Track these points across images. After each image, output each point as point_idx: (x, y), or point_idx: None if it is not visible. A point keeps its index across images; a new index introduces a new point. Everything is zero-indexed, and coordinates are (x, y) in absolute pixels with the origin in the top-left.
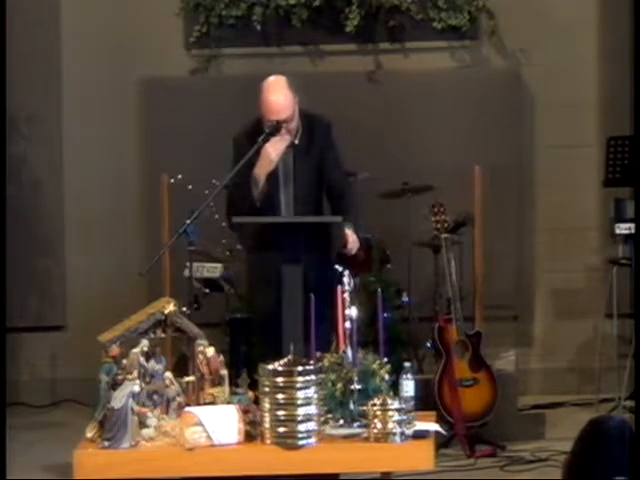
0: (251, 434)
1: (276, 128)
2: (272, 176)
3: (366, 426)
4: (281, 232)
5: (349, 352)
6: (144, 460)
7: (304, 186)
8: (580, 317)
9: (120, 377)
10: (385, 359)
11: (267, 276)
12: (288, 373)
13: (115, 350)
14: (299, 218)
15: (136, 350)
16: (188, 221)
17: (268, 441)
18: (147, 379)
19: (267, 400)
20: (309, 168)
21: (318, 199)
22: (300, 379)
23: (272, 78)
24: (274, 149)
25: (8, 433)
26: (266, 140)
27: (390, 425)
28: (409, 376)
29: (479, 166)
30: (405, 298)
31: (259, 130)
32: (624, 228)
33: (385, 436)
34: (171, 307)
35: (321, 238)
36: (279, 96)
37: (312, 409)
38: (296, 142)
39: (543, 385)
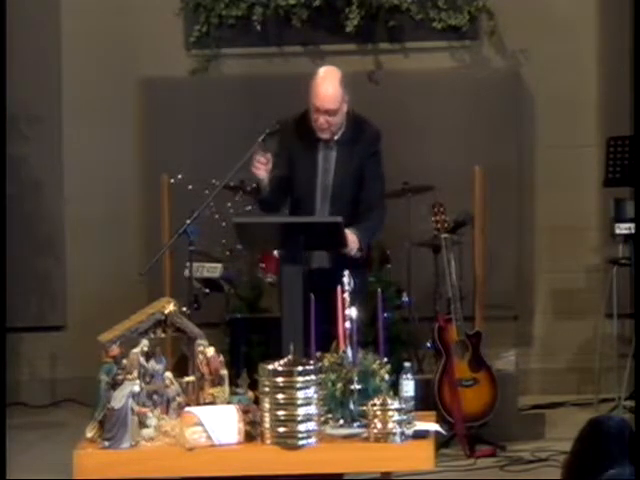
0: (251, 434)
1: (277, 129)
2: (310, 164)
3: (366, 426)
4: (290, 231)
5: (349, 352)
6: (144, 460)
7: (342, 182)
8: (580, 317)
9: (120, 377)
10: (385, 359)
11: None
12: (288, 373)
13: (115, 350)
14: (298, 218)
15: (136, 350)
16: (188, 221)
17: (268, 441)
18: (147, 379)
19: (267, 400)
20: (349, 169)
21: (352, 198)
22: (300, 379)
23: (326, 67)
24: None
25: (8, 433)
26: (265, 139)
27: (390, 425)
28: (409, 376)
29: (479, 166)
30: (405, 298)
31: (306, 120)
32: (624, 228)
33: (385, 436)
34: (171, 307)
35: (321, 238)
36: (329, 87)
37: (312, 409)
38: (336, 138)
39: (543, 385)
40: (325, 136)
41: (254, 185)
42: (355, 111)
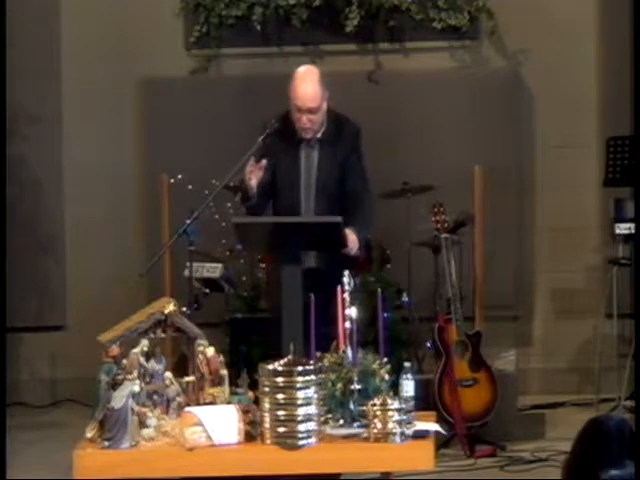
0: (251, 434)
1: (277, 128)
2: (293, 163)
3: (366, 426)
4: (290, 231)
5: (349, 352)
6: (144, 460)
7: (325, 180)
8: (580, 317)
9: (120, 377)
10: (385, 359)
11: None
12: (288, 373)
13: (115, 350)
14: (299, 218)
15: (136, 350)
16: (188, 221)
17: (268, 441)
18: (147, 379)
19: (267, 400)
20: (332, 165)
21: (337, 196)
22: (300, 379)
23: (305, 67)
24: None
25: (8, 433)
26: (266, 139)
27: (390, 425)
28: (409, 376)
29: (479, 166)
30: (405, 298)
31: (287, 121)
32: (624, 228)
33: (385, 436)
34: (171, 307)
35: (322, 238)
36: (308, 85)
37: (312, 409)
38: (318, 136)
39: (543, 385)
40: (308, 135)
41: (240, 194)
42: (334, 108)
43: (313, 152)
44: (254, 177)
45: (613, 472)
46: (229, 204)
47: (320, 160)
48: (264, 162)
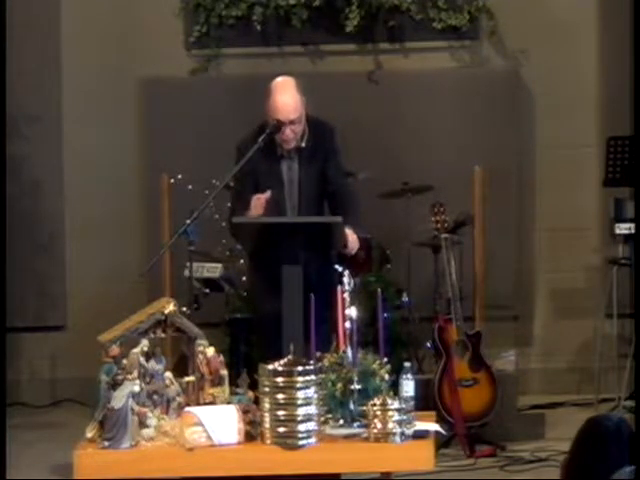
0: (251, 434)
1: (277, 128)
2: (276, 178)
3: (366, 426)
4: (282, 233)
5: (349, 352)
6: (144, 460)
7: (308, 189)
8: (580, 317)
9: (120, 377)
10: (385, 359)
11: (268, 277)
12: (288, 373)
13: (115, 350)
14: (299, 218)
15: (136, 350)
16: (188, 221)
17: (268, 441)
18: (147, 379)
19: (267, 400)
20: (313, 172)
21: (320, 201)
22: (300, 379)
23: (280, 79)
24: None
25: (8, 433)
26: (267, 140)
27: (390, 425)
28: (409, 376)
29: (479, 166)
30: (405, 298)
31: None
32: (624, 228)
33: (385, 436)
34: (171, 307)
35: (322, 239)
36: (287, 97)
37: (312, 409)
38: (302, 145)
39: (543, 385)
40: (291, 145)
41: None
42: (308, 113)
43: (293, 163)
44: (259, 209)
45: (628, 470)
46: (229, 204)
47: (301, 170)
48: (268, 194)
